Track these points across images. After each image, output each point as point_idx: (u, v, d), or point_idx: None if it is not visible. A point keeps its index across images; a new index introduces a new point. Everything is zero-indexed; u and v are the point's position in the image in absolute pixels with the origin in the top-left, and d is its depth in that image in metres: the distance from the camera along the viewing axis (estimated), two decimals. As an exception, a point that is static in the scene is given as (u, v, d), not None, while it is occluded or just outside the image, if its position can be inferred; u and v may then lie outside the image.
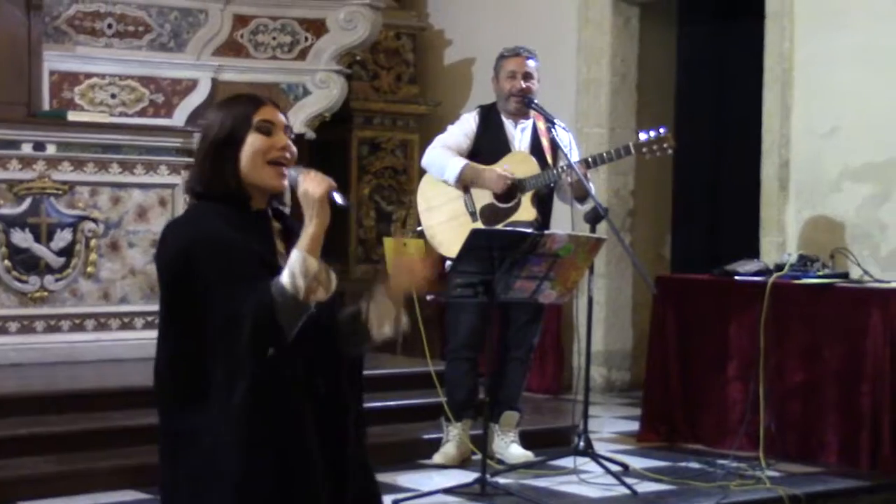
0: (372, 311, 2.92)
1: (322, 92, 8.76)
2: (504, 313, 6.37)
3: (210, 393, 2.79)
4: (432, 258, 3.03)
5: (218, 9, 8.58)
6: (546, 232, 5.58)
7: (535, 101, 6.31)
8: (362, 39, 8.83)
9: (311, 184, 2.78)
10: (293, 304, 2.71)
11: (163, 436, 2.91)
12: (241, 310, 2.72)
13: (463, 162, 6.26)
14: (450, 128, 6.50)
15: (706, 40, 9.24)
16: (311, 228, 2.76)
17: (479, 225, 6.16)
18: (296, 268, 2.71)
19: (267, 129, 2.89)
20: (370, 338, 2.93)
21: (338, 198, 2.78)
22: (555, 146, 6.28)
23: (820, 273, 6.72)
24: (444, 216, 6.34)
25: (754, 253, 7.57)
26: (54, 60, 7.92)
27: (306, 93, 8.77)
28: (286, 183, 2.87)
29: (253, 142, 2.87)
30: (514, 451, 6.33)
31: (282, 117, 2.93)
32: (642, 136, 6.22)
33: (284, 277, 2.71)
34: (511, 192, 6.25)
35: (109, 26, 8.23)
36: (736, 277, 6.85)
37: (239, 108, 2.92)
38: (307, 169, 2.85)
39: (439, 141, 6.41)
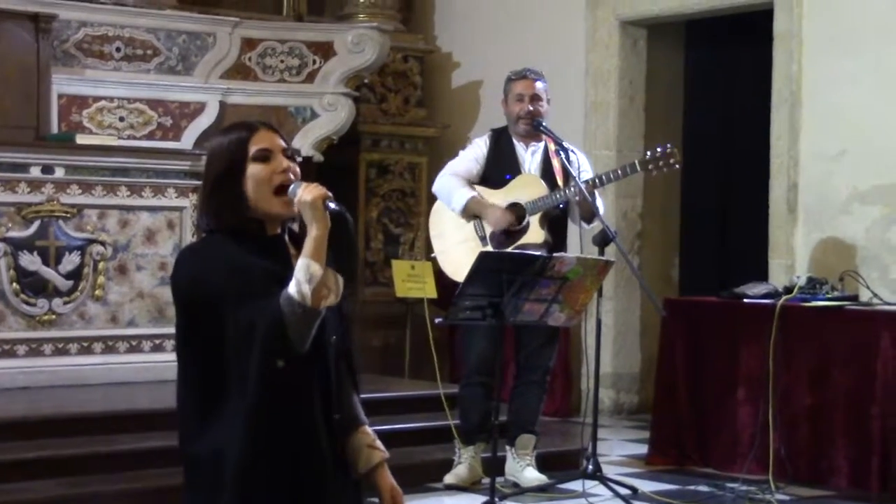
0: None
1: (330, 115, 8.78)
2: (517, 337, 6.37)
3: (228, 413, 2.79)
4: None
5: (226, 32, 8.60)
6: (555, 255, 5.58)
7: (544, 123, 6.32)
8: (370, 62, 8.85)
9: (305, 191, 2.80)
10: (301, 311, 2.71)
11: (185, 460, 2.89)
12: (253, 326, 2.72)
13: (468, 196, 6.29)
14: (461, 153, 6.55)
15: (714, 62, 9.24)
16: (312, 233, 2.77)
17: (489, 248, 6.17)
18: (300, 274, 2.73)
19: (264, 156, 2.88)
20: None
21: (330, 203, 2.80)
22: (566, 168, 6.29)
23: (829, 296, 6.70)
24: (454, 240, 6.36)
25: (763, 276, 7.56)
26: (63, 84, 7.94)
27: (314, 115, 8.79)
28: (295, 210, 2.87)
29: (253, 172, 2.87)
30: (529, 475, 6.32)
31: (278, 140, 2.92)
32: (648, 153, 6.24)
33: (291, 286, 2.72)
34: (520, 215, 6.26)
35: (118, 49, 8.25)
36: (745, 300, 6.83)
37: (233, 139, 2.90)
38: (302, 182, 2.87)
39: (449, 168, 6.45)
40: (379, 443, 3.02)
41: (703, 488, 6.40)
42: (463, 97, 9.73)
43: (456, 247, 6.34)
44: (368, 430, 3.02)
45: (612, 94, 8.80)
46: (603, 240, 6.11)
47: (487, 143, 6.46)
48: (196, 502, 2.86)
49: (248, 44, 8.71)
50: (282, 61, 8.78)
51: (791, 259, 7.68)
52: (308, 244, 2.76)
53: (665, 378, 7.13)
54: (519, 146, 6.42)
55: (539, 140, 6.42)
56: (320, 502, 2.86)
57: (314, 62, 8.83)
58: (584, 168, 6.32)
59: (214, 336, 2.78)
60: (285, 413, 2.80)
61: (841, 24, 7.57)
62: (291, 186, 2.86)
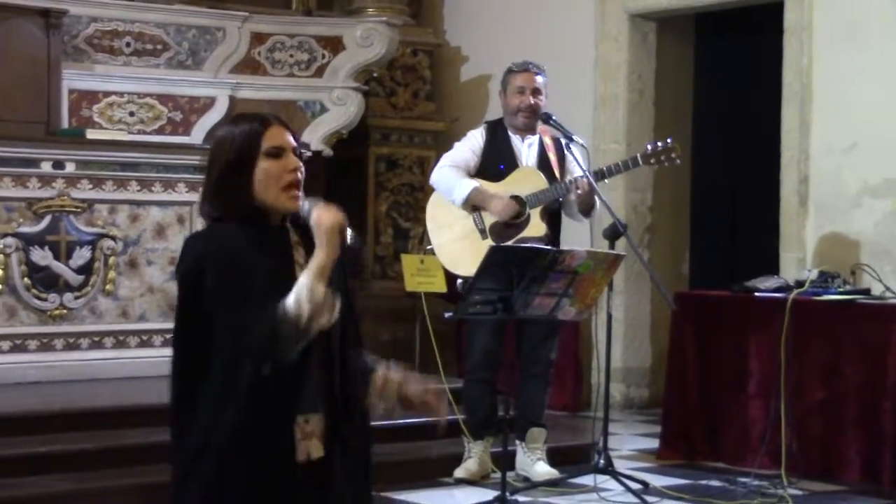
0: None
1: (339, 109, 8.77)
2: (519, 331, 6.35)
3: (218, 405, 2.80)
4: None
5: (235, 27, 8.60)
6: (565, 248, 5.56)
7: (554, 117, 6.30)
8: (379, 56, 8.85)
9: (323, 213, 2.78)
10: (294, 328, 2.69)
11: (176, 451, 2.90)
12: (245, 331, 2.72)
13: (471, 186, 6.25)
14: (457, 145, 6.49)
15: (724, 55, 9.21)
16: (320, 256, 2.75)
17: (490, 242, 6.12)
18: (302, 293, 2.70)
19: (276, 153, 2.87)
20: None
21: (347, 235, 2.78)
22: (562, 161, 6.29)
23: (841, 289, 6.68)
24: (453, 234, 6.31)
25: (773, 269, 7.54)
26: (73, 79, 7.95)
27: (323, 110, 8.79)
28: (300, 204, 2.86)
29: (265, 168, 2.85)
30: (540, 469, 6.31)
31: (290, 138, 2.90)
32: (649, 147, 6.24)
33: (290, 302, 2.70)
34: (520, 208, 6.24)
35: (128, 45, 8.25)
36: (756, 294, 6.81)
37: (245, 132, 2.88)
38: (321, 200, 2.84)
39: (447, 159, 6.40)
40: (389, 373, 2.99)
41: (714, 483, 6.39)
42: (472, 91, 9.72)
43: (455, 240, 6.29)
44: (378, 372, 2.99)
45: (621, 88, 8.78)
46: (613, 233, 6.10)
47: (484, 135, 6.42)
48: (189, 493, 2.88)
49: (258, 38, 8.71)
50: (291, 56, 8.78)
51: (802, 253, 7.66)
52: (315, 265, 2.73)
53: (676, 372, 7.11)
54: (515, 139, 6.40)
55: (534, 133, 6.40)
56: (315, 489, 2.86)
57: (323, 56, 8.83)
58: (584, 161, 6.32)
59: (207, 327, 2.78)
60: (275, 402, 2.80)
61: (852, 18, 7.54)
62: (306, 203, 2.84)
